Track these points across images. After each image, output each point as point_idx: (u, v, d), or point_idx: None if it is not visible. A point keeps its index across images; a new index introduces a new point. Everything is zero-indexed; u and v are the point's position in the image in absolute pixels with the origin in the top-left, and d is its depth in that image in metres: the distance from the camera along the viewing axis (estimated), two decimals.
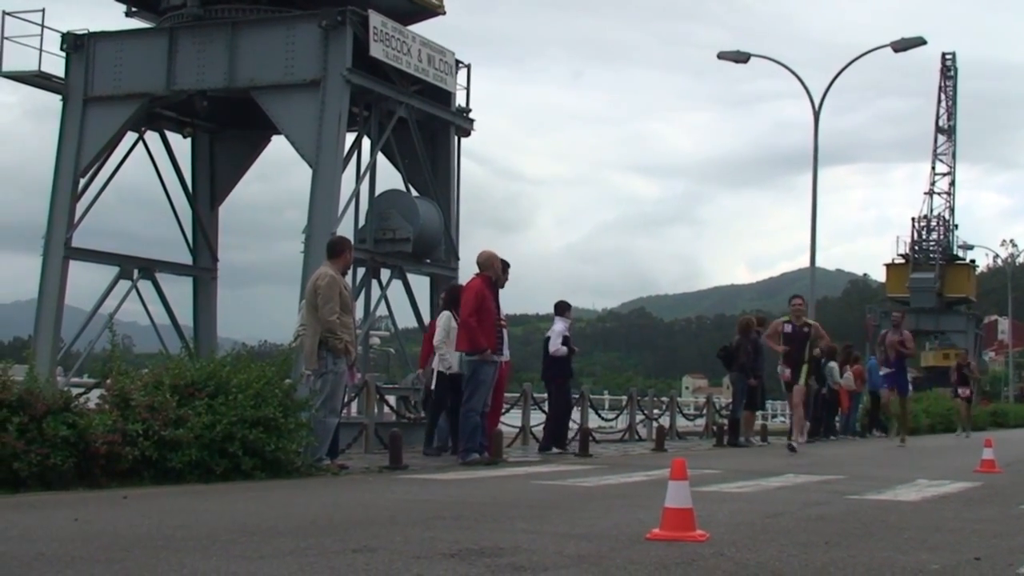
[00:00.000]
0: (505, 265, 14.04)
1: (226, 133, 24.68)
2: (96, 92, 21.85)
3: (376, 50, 20.36)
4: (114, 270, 23.01)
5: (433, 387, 14.88)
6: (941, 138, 76.40)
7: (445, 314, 14.71)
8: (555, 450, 16.30)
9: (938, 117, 76.52)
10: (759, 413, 23.27)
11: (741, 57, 29.91)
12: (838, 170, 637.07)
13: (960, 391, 30.89)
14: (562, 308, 17.05)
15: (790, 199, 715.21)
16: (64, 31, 22.15)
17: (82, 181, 22.22)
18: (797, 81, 29.73)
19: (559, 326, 16.88)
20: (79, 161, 21.88)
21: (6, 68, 21.99)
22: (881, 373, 23.04)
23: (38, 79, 22.20)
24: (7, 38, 21.59)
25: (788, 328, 18.10)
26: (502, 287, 14.03)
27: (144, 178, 24.19)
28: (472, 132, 23.58)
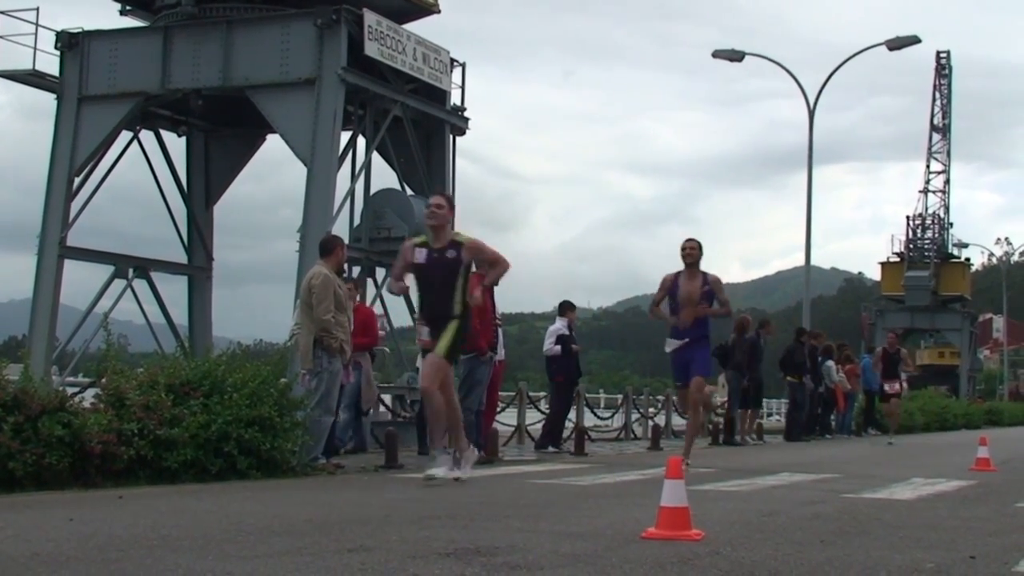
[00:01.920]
0: None
1: (221, 132, 24.67)
2: (91, 91, 21.83)
3: (371, 49, 20.34)
4: (109, 269, 23.00)
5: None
6: (936, 136, 76.53)
7: None
8: (551, 449, 16.30)
9: (933, 115, 76.65)
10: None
11: (736, 56, 29.96)
12: (831, 169, 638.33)
13: (888, 386, 24.09)
14: (562, 308, 17.08)
15: (782, 198, 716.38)
16: (58, 30, 22.12)
17: (77, 180, 22.21)
18: (789, 80, 29.87)
19: (554, 325, 16.91)
20: (74, 160, 21.86)
21: (0, 67, 21.98)
22: (668, 349, 12.76)
23: (32, 78, 22.19)
24: (1, 37, 21.56)
25: (421, 256, 9.95)
26: (496, 285, 14.03)
27: (139, 177, 24.24)
28: (467, 131, 23.58)
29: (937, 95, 76.39)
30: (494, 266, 10.41)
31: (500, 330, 14.34)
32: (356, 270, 21.94)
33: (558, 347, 16.52)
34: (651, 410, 24.45)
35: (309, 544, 5.66)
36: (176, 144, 24.54)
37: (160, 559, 5.10)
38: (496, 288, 13.90)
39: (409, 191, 22.57)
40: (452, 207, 10.23)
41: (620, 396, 25.78)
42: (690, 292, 12.28)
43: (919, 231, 74.80)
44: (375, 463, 12.23)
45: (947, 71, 76.23)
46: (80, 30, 22.11)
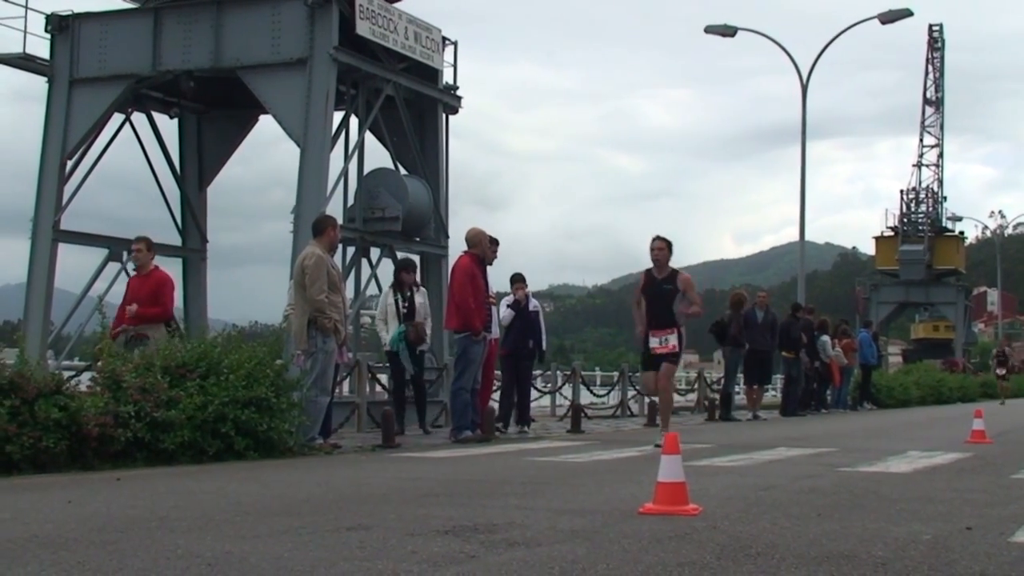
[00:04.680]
0: (494, 242, 14.03)
1: (213, 113, 24.55)
2: (82, 74, 21.72)
3: (362, 28, 20.25)
4: (103, 252, 22.92)
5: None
6: (929, 110, 76.46)
7: (387, 291, 14.89)
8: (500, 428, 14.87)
9: (925, 89, 76.56)
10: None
11: (728, 31, 29.90)
12: (821, 144, 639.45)
13: (655, 339, 12.77)
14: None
15: (773, 173, 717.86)
16: (48, 12, 22.00)
17: (69, 163, 22.11)
18: (777, 56, 29.89)
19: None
20: (66, 143, 21.76)
21: None
22: None
23: (23, 61, 22.06)
24: None
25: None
26: (491, 264, 14.03)
27: (131, 160, 24.09)
28: (460, 110, 23.52)
29: (930, 68, 76.28)
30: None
31: (494, 309, 14.33)
32: (351, 250, 21.91)
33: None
34: None
35: (307, 523, 5.67)
36: (168, 126, 24.43)
37: (159, 540, 5.11)
38: (489, 268, 13.93)
39: (403, 170, 22.52)
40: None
41: (616, 374, 25.83)
42: None
43: (913, 205, 74.84)
44: (372, 443, 12.25)
45: (939, 44, 76.09)
46: (70, 12, 21.97)
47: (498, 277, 15.16)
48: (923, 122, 76.36)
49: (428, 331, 15.16)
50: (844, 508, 6.57)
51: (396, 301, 14.61)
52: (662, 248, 12.95)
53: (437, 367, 19.07)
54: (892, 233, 74.89)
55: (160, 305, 12.58)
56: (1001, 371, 40.20)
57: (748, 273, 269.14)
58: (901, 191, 75.28)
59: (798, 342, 23.27)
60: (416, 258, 22.69)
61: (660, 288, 12.90)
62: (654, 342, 12.81)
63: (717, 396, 22.00)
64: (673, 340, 12.76)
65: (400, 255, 22.15)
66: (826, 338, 25.31)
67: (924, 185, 75.16)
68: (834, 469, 9.37)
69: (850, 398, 28.02)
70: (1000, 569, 4.63)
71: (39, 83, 22.24)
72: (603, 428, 17.29)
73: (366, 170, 22.32)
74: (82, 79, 21.73)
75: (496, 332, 14.53)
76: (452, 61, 23.41)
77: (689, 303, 12.83)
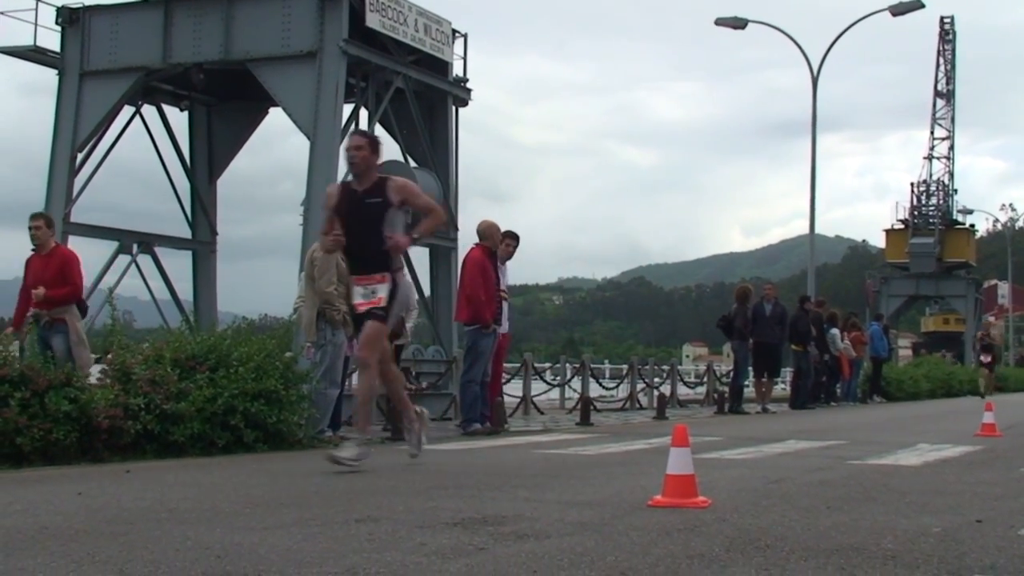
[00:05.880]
0: (513, 237, 13.94)
1: (223, 106, 24.59)
2: (92, 66, 21.76)
3: (372, 20, 20.26)
4: (113, 245, 22.98)
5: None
6: (940, 102, 76.28)
7: None
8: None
9: (937, 81, 76.36)
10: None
11: (739, 23, 29.84)
12: (830, 137, 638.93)
13: (357, 292, 8.61)
14: None
15: (782, 166, 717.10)
16: (59, 5, 22.05)
17: (80, 156, 22.16)
18: (786, 49, 29.87)
19: None
20: (76, 136, 21.81)
21: (1, 43, 21.93)
22: None
23: (34, 54, 22.13)
24: (1, 13, 21.51)
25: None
26: (510, 258, 13.99)
27: (142, 152, 24.15)
28: (469, 102, 23.52)
29: (941, 61, 76.10)
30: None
31: (506, 303, 14.31)
32: None
33: None
34: (656, 380, 24.48)
35: (317, 515, 5.68)
36: (178, 118, 24.48)
37: (168, 532, 5.12)
38: (509, 263, 13.91)
39: (412, 163, 22.53)
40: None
41: (625, 366, 25.83)
42: None
43: (923, 198, 74.76)
44: (380, 435, 12.26)
45: (951, 36, 75.89)
46: (81, 5, 22.02)
47: (513, 272, 15.16)
48: (934, 115, 76.22)
49: (409, 324, 13.96)
50: (854, 501, 6.56)
51: None
52: (361, 147, 8.75)
53: (446, 360, 19.09)
54: (902, 226, 74.80)
55: (70, 284, 11.86)
56: (986, 358, 36.87)
57: (757, 266, 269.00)
58: (911, 184, 75.26)
59: (807, 335, 23.22)
60: (426, 251, 22.72)
61: (362, 205, 8.59)
62: (358, 294, 8.60)
63: (727, 389, 21.98)
64: (383, 291, 8.50)
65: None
66: (835, 331, 25.27)
67: (935, 178, 75.10)
68: (844, 462, 9.36)
69: (860, 391, 27.98)
70: (1010, 562, 4.62)
71: (50, 76, 22.32)
72: (612, 421, 17.28)
73: None
74: (92, 72, 21.78)
75: (507, 326, 14.52)
76: (462, 54, 23.41)
77: (424, 213, 8.82)
